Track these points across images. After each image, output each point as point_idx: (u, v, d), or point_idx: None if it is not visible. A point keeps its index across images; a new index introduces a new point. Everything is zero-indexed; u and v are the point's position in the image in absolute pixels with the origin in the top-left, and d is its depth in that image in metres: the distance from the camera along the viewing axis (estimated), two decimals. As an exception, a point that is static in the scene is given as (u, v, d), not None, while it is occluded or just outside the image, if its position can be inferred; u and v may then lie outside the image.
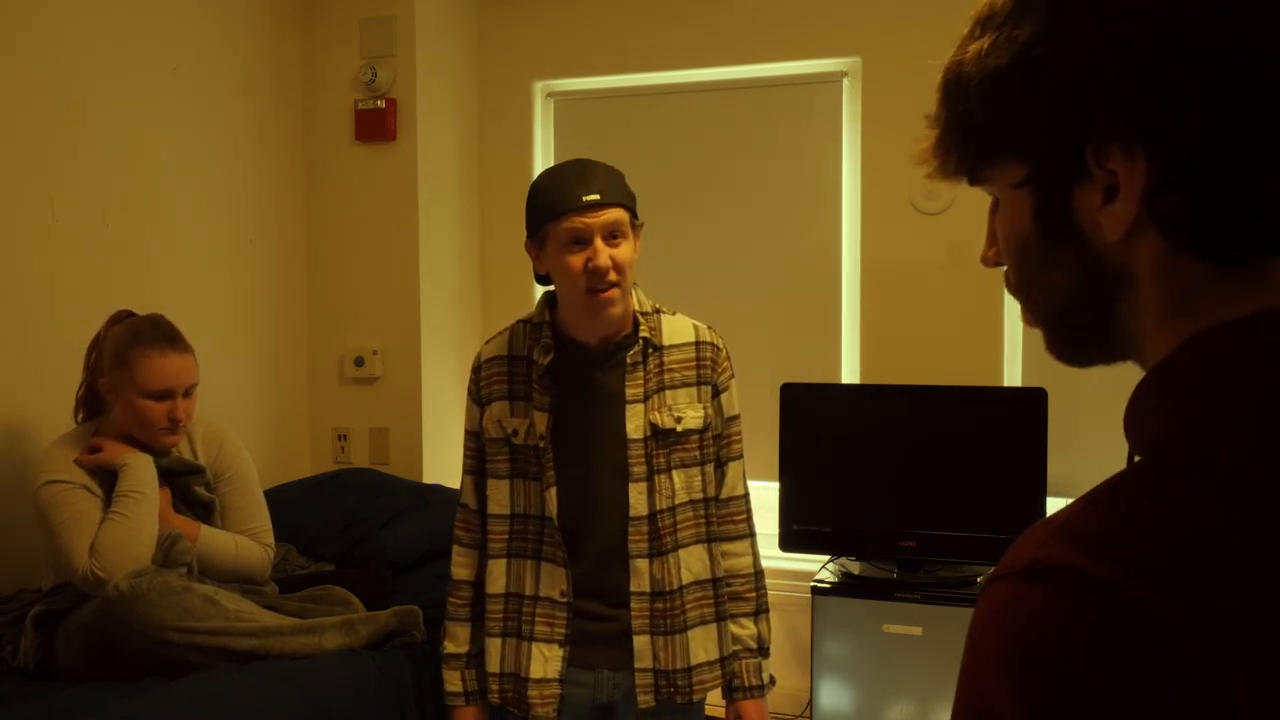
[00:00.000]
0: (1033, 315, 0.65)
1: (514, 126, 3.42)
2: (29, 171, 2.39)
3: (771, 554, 3.09)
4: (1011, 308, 3.00)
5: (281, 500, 2.58)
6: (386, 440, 3.22)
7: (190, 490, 2.18)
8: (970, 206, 2.98)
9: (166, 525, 2.07)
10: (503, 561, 1.82)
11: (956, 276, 2.99)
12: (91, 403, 2.19)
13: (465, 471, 1.88)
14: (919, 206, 3.01)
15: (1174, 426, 0.53)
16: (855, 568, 2.73)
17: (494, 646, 1.82)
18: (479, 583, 1.84)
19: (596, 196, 1.68)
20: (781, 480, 2.71)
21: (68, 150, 2.48)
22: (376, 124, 3.15)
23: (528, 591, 1.80)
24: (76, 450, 2.08)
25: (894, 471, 2.66)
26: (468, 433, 1.87)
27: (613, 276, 1.70)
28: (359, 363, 3.22)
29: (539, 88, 3.42)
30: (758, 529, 1.93)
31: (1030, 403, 2.54)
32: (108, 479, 2.06)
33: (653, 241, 3.26)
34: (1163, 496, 0.50)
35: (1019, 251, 0.62)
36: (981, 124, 0.60)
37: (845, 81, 3.12)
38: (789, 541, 2.71)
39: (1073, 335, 0.63)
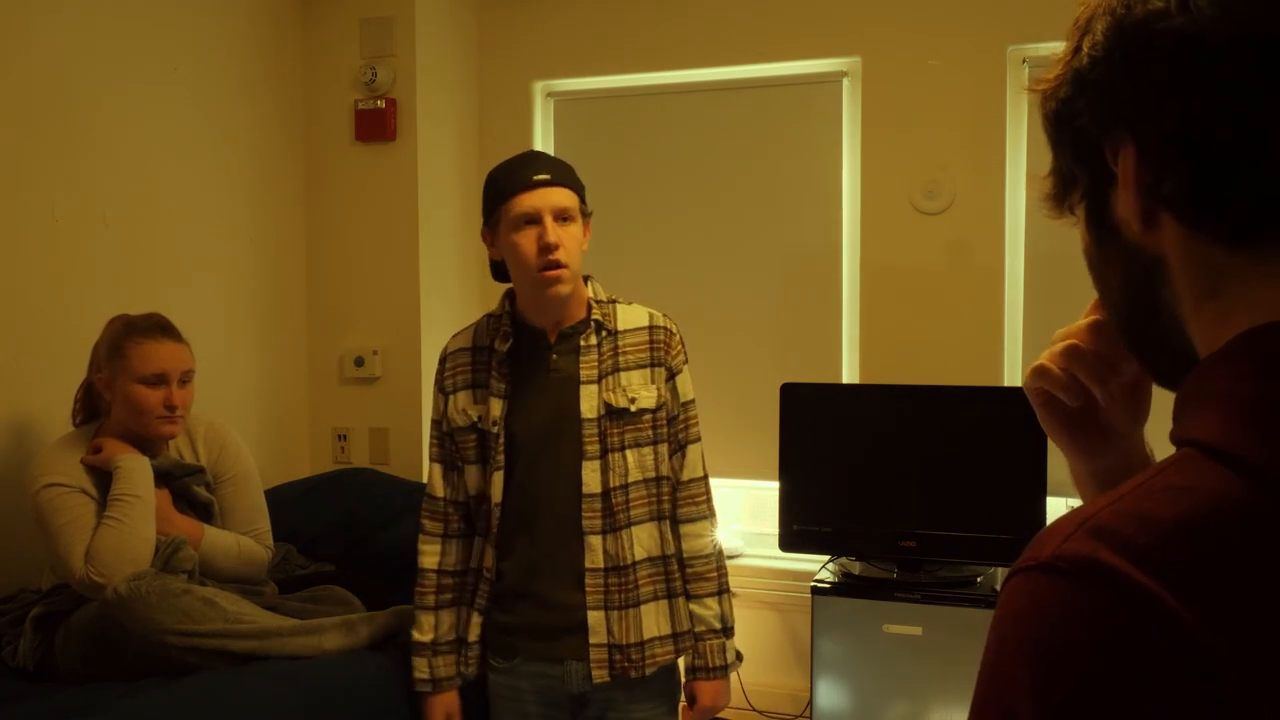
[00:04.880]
0: (1117, 330, 0.66)
1: (514, 126, 3.42)
2: (30, 172, 2.39)
3: (772, 554, 3.09)
4: (1012, 307, 3.00)
5: (281, 500, 2.58)
6: (386, 440, 3.22)
7: (190, 491, 2.18)
8: (970, 206, 2.98)
9: (172, 527, 2.07)
10: (478, 539, 1.93)
11: (956, 276, 2.99)
12: (89, 405, 2.19)
13: (432, 460, 1.96)
14: (919, 206, 3.01)
15: (1214, 426, 0.50)
16: (855, 568, 2.72)
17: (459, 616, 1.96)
18: (444, 570, 1.92)
19: (547, 176, 1.79)
20: (781, 480, 2.71)
21: (68, 150, 2.48)
22: (376, 124, 3.15)
23: (475, 565, 1.93)
24: (75, 452, 2.08)
25: (894, 471, 2.66)
26: (433, 422, 1.95)
27: (562, 256, 1.77)
28: (359, 363, 3.22)
29: (539, 88, 3.42)
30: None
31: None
32: (107, 480, 2.06)
33: (653, 241, 3.29)
34: (1203, 498, 0.47)
35: (1088, 263, 0.65)
36: (1056, 158, 0.64)
37: (845, 81, 3.12)
38: (789, 541, 2.70)
39: (1139, 340, 0.64)
